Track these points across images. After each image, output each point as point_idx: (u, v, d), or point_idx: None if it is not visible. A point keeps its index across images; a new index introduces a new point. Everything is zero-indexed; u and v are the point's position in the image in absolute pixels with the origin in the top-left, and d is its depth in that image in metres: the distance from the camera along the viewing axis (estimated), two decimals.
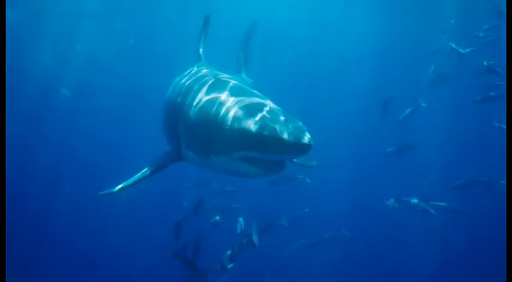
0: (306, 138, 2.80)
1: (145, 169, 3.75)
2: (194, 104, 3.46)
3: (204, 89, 3.59)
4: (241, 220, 6.34)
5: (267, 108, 3.04)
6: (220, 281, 7.53)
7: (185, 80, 4.14)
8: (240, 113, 3.02)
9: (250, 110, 3.03)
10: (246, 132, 2.88)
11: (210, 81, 3.70)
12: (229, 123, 3.00)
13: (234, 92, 3.36)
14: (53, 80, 17.74)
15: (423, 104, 11.00)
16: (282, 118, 2.92)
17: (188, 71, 4.52)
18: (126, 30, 17.11)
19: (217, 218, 6.11)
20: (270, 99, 3.38)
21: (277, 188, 9.79)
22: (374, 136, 15.17)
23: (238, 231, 6.21)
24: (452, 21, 12.90)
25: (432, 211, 8.19)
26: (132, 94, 18.37)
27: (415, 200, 8.31)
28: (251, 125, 2.89)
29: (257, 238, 5.82)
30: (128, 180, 3.70)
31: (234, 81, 3.69)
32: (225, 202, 8.66)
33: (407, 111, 10.63)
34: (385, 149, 10.24)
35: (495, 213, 9.44)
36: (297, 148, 2.81)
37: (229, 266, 5.85)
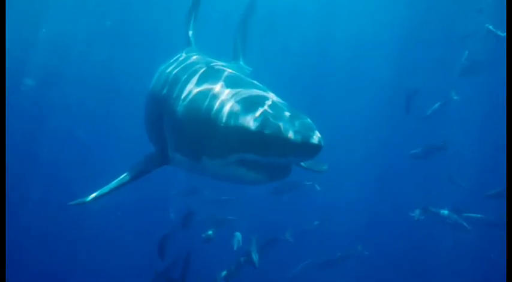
0: (316, 137, 2.79)
1: (124, 174, 3.76)
2: (183, 97, 3.47)
3: (195, 79, 3.60)
4: (238, 235, 6.36)
5: (268, 102, 3.05)
6: None
7: (172, 68, 4.15)
8: (237, 107, 3.02)
9: (249, 104, 3.03)
10: (244, 130, 2.89)
11: (202, 70, 3.71)
12: (224, 119, 3.01)
13: (229, 83, 3.37)
14: (14, 68, 17.73)
15: (454, 97, 11.02)
16: (287, 114, 2.93)
17: (175, 58, 4.53)
18: (102, 9, 17.11)
19: (210, 232, 6.13)
20: (273, 92, 3.39)
21: (281, 197, 9.82)
22: (396, 135, 15.20)
23: (235, 248, 6.22)
24: None
25: (465, 224, 8.19)
26: (108, 85, 18.39)
27: (445, 211, 8.31)
28: (250, 122, 2.89)
29: (257, 256, 5.83)
30: (104, 188, 3.71)
31: (229, 70, 3.70)
32: (219, 213, 8.69)
33: (436, 105, 10.63)
34: (409, 151, 10.26)
35: None
36: (305, 149, 2.81)
37: None
